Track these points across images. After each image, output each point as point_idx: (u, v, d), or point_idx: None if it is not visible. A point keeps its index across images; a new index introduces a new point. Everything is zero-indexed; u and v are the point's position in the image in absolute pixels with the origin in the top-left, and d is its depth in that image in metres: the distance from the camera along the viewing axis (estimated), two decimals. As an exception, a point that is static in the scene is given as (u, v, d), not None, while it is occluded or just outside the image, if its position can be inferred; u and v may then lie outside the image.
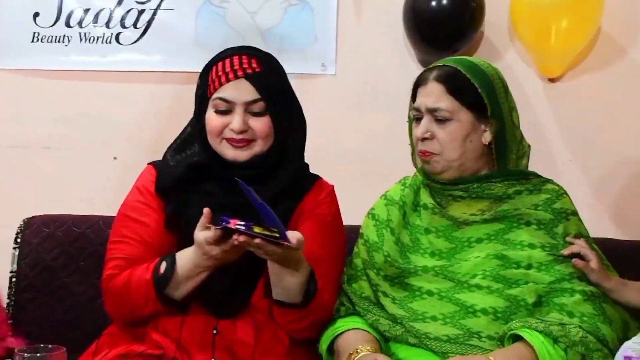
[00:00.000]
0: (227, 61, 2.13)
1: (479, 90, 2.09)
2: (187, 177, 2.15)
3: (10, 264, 2.67)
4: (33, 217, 2.69)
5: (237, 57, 2.14)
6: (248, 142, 2.12)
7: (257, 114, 2.12)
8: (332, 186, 2.28)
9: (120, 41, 3.11)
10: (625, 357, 1.87)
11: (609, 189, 2.93)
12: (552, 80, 2.94)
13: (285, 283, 2.02)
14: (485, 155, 2.15)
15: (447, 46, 2.87)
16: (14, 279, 2.63)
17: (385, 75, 3.00)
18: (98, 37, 3.12)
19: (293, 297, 2.04)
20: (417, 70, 2.92)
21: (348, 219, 2.36)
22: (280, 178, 2.15)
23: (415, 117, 2.16)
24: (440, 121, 2.10)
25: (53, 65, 3.13)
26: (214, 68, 2.15)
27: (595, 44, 2.92)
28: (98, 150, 3.10)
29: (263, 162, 2.14)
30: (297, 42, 3.03)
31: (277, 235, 1.87)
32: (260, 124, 2.12)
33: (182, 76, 3.07)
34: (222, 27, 3.08)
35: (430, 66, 2.19)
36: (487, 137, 2.13)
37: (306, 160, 2.27)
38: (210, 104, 2.14)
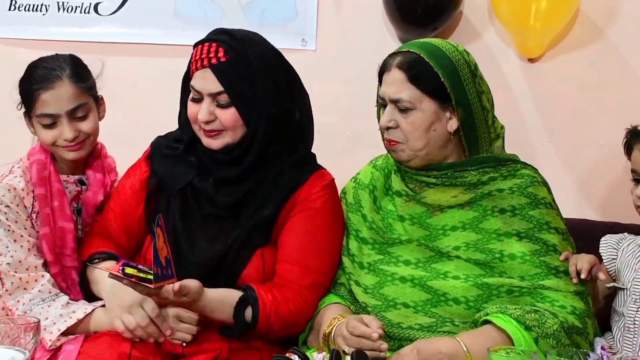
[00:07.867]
0: (199, 48, 2.13)
1: (442, 79, 2.05)
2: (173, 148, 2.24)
3: None
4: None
5: (207, 44, 2.12)
6: (219, 132, 2.12)
7: (222, 106, 2.11)
8: (332, 178, 2.23)
9: (99, 11, 3.08)
10: (601, 348, 1.99)
11: (585, 170, 2.95)
12: (531, 60, 2.94)
13: (216, 319, 2.06)
14: (453, 142, 2.12)
15: (426, 25, 2.86)
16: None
17: (365, 52, 2.99)
18: (76, 7, 3.09)
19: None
20: (396, 47, 2.91)
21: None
22: (244, 164, 2.13)
23: (382, 104, 2.15)
24: (403, 111, 2.07)
25: (31, 35, 3.10)
26: (192, 53, 2.15)
27: (573, 25, 2.92)
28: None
29: (235, 150, 2.13)
30: (277, 16, 3.01)
31: (150, 277, 1.87)
32: (226, 116, 2.11)
33: (161, 49, 3.05)
34: (202, 0, 3.06)
35: (395, 51, 2.15)
36: (452, 125, 2.09)
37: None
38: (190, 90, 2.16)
